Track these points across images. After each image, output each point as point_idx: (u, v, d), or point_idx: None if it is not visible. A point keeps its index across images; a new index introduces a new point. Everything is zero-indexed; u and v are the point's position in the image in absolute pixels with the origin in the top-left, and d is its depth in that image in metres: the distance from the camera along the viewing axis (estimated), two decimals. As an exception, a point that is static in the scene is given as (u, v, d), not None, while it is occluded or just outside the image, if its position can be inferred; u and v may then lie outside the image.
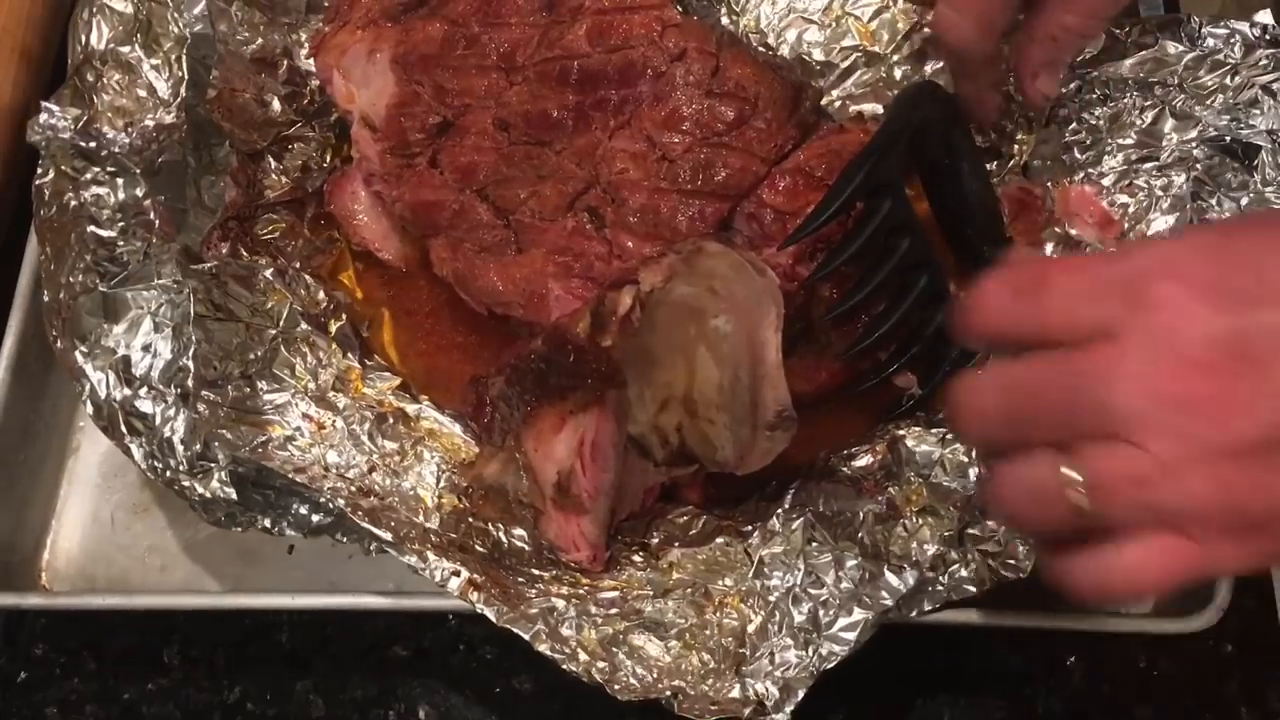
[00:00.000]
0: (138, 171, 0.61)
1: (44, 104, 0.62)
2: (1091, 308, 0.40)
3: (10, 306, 0.67)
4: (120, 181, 0.62)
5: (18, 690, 0.66)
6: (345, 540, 0.60)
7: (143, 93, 0.63)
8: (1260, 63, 0.61)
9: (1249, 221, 0.43)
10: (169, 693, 0.66)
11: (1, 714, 0.66)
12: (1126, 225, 0.61)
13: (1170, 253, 0.40)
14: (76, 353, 0.60)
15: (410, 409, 0.64)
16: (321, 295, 0.67)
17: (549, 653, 0.54)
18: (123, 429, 0.59)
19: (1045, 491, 0.41)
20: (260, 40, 0.68)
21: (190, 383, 0.59)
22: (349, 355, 0.65)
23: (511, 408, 0.56)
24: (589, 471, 0.56)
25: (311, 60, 0.69)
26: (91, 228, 0.61)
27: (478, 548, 0.59)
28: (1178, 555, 0.40)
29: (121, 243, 0.61)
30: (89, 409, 0.60)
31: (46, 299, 0.61)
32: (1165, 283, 0.39)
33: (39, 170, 0.63)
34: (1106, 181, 0.63)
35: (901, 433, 0.61)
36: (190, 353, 0.59)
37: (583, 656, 0.54)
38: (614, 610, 0.57)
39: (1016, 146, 0.67)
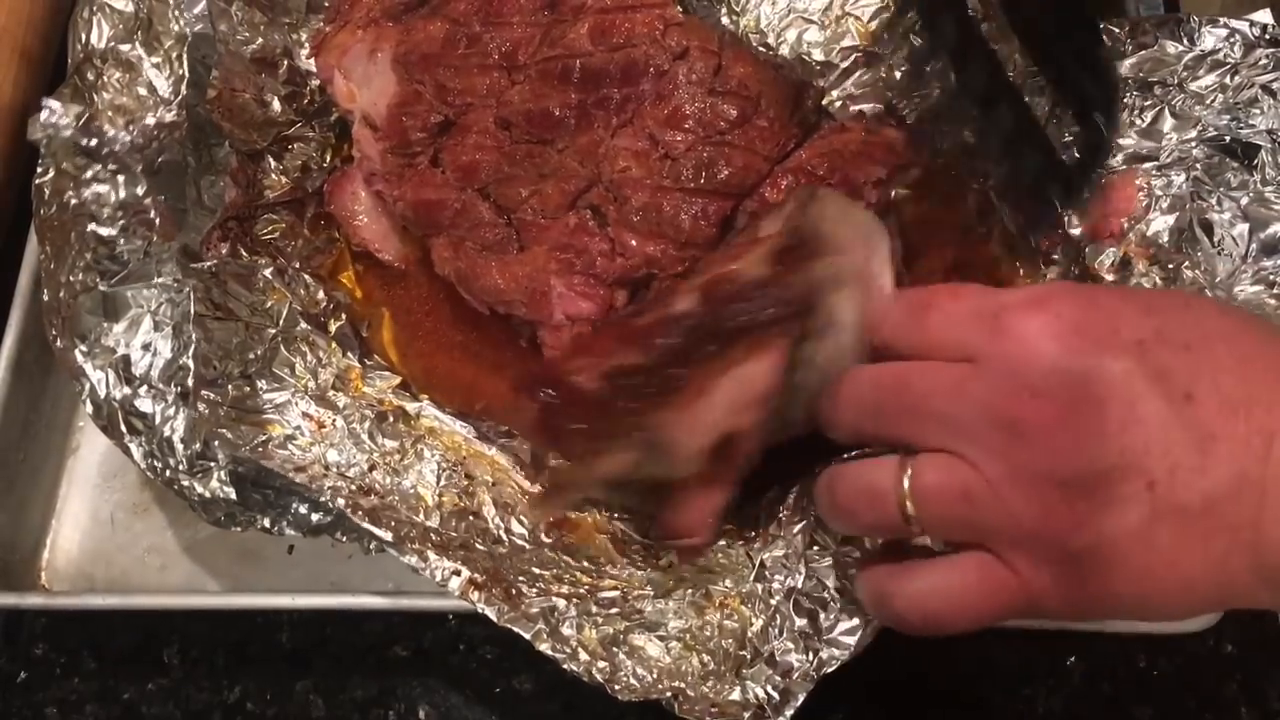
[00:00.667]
0: (139, 170, 0.61)
1: (45, 102, 0.62)
2: (963, 331, 0.43)
3: (10, 306, 0.67)
4: (121, 179, 0.62)
5: (18, 690, 0.66)
6: (345, 540, 0.60)
7: (143, 91, 0.63)
8: (1260, 62, 0.61)
9: (1121, 286, 0.48)
10: (169, 693, 0.66)
11: (1, 714, 0.66)
12: (1126, 225, 0.61)
13: (1042, 293, 0.43)
14: (76, 352, 0.60)
15: (410, 407, 0.64)
16: (321, 295, 0.66)
17: (550, 652, 0.54)
18: (122, 428, 0.59)
19: (880, 492, 0.44)
20: (260, 40, 0.68)
21: (190, 382, 0.59)
22: (349, 354, 0.65)
23: (633, 391, 0.52)
24: (752, 427, 0.52)
25: (312, 60, 0.69)
26: (92, 226, 0.61)
27: (478, 546, 0.59)
28: (993, 579, 0.42)
29: (122, 241, 0.61)
30: (88, 408, 0.60)
31: (46, 298, 0.61)
32: (1028, 317, 0.42)
33: (39, 169, 0.62)
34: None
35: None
36: (190, 352, 0.59)
37: (583, 656, 0.54)
38: (614, 610, 0.57)
39: (1017, 145, 0.66)
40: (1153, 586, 0.41)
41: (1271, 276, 0.58)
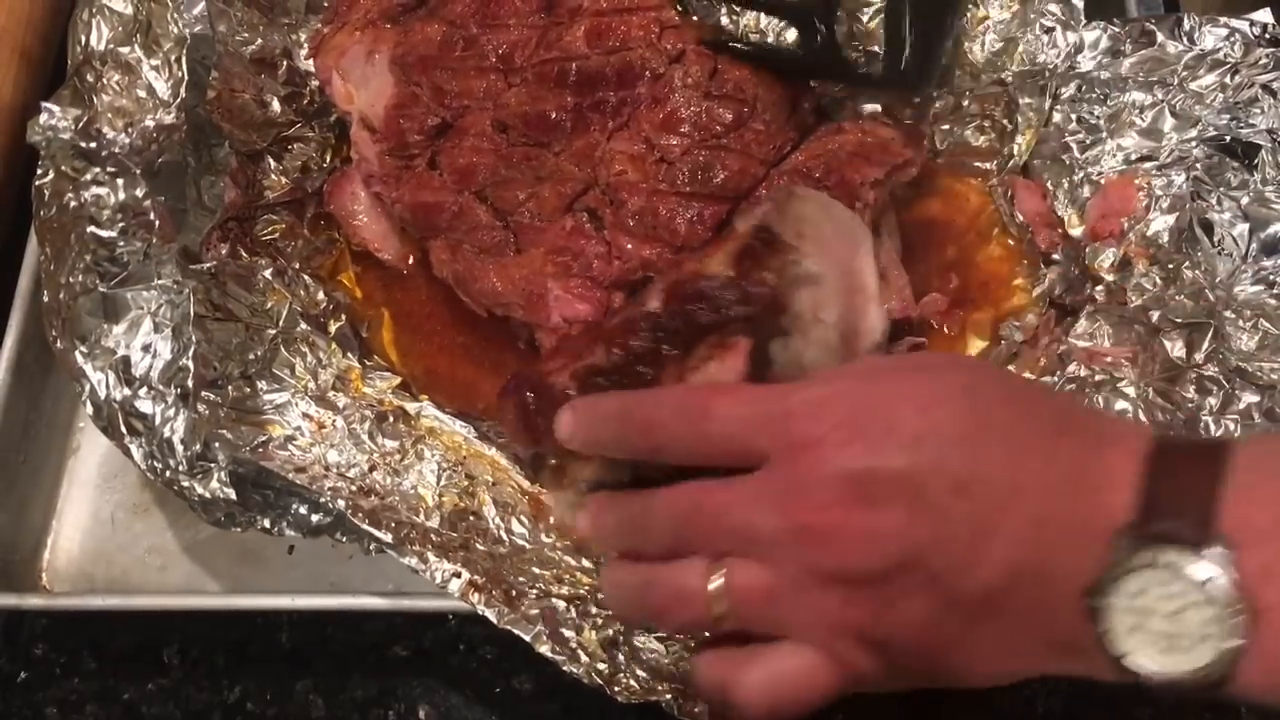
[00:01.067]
0: (138, 172, 0.61)
1: (44, 104, 0.62)
2: (746, 440, 0.45)
3: (10, 307, 0.67)
4: (120, 182, 0.61)
5: (18, 690, 0.66)
6: (345, 540, 0.60)
7: (142, 93, 0.63)
8: (1260, 61, 0.61)
9: (909, 368, 0.47)
10: (169, 693, 0.66)
11: (2, 714, 0.66)
12: (1126, 225, 0.61)
13: (819, 395, 0.44)
14: (76, 353, 0.60)
15: (410, 407, 0.64)
16: (321, 295, 0.67)
17: (550, 654, 0.54)
18: (122, 429, 0.59)
19: (690, 597, 0.46)
20: (260, 41, 0.68)
21: (190, 383, 0.59)
22: (349, 355, 0.65)
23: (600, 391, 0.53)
24: None
25: (311, 61, 0.69)
26: (91, 228, 0.61)
27: (479, 546, 0.59)
28: (816, 662, 0.44)
29: (122, 243, 0.61)
30: (89, 409, 0.60)
31: (46, 299, 0.61)
32: (808, 423, 0.44)
33: (39, 171, 0.63)
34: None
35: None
36: (190, 353, 0.59)
37: (583, 658, 0.54)
38: None
39: (1016, 146, 0.67)
40: (954, 667, 0.44)
41: (1272, 276, 0.58)
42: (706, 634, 0.48)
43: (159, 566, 0.67)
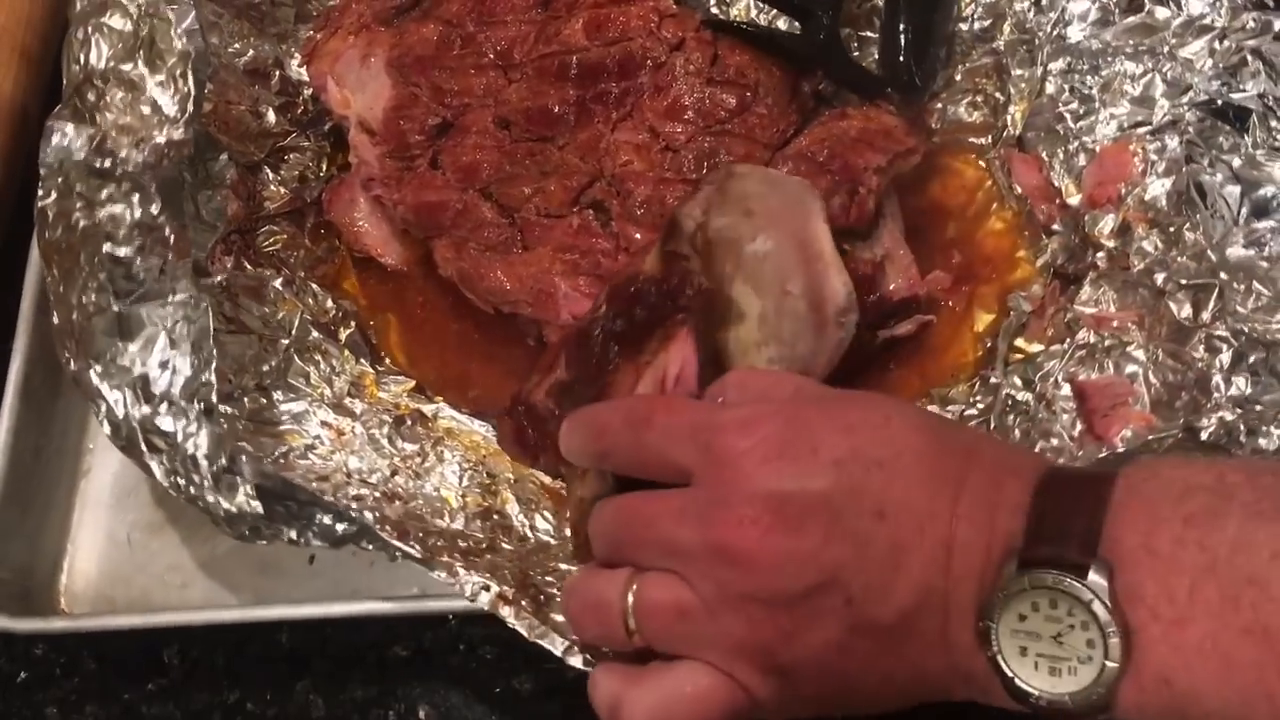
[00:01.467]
0: (152, 189, 0.61)
1: (55, 124, 0.61)
2: (677, 451, 0.46)
3: (14, 332, 0.67)
4: (135, 199, 0.61)
5: (18, 690, 0.66)
6: (372, 548, 0.60)
7: (147, 110, 0.63)
8: (1247, 26, 0.62)
9: (836, 398, 0.49)
10: (169, 693, 0.65)
11: (1, 714, 0.66)
12: (1124, 190, 0.62)
13: (748, 414, 0.46)
14: (91, 373, 0.59)
15: (427, 409, 0.64)
16: (330, 303, 0.66)
17: (584, 667, 0.54)
18: (142, 447, 0.59)
19: (606, 606, 0.46)
20: (252, 52, 0.68)
21: (214, 397, 0.59)
22: (361, 361, 0.65)
23: (573, 402, 0.54)
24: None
25: (303, 69, 0.68)
26: (107, 246, 0.61)
27: (504, 545, 0.59)
28: (718, 688, 0.45)
29: (138, 261, 0.61)
30: (106, 429, 0.60)
31: (57, 321, 0.61)
32: (734, 438, 0.44)
33: (40, 192, 0.62)
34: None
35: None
36: (212, 367, 0.59)
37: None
38: None
39: (1009, 118, 0.67)
40: (859, 691, 0.45)
41: (1263, 238, 0.59)
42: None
43: (179, 584, 0.67)
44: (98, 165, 0.61)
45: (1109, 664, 0.40)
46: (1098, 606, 0.40)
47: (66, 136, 0.61)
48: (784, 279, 0.54)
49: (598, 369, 0.53)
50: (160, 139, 0.62)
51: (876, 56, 0.68)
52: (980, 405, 0.62)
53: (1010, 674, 0.42)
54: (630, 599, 0.46)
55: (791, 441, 0.44)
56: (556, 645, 0.54)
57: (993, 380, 0.62)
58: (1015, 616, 0.42)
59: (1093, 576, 0.41)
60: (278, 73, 0.69)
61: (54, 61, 0.70)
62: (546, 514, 0.61)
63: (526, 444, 0.56)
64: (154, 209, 0.61)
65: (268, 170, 0.68)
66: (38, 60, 0.74)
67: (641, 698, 0.46)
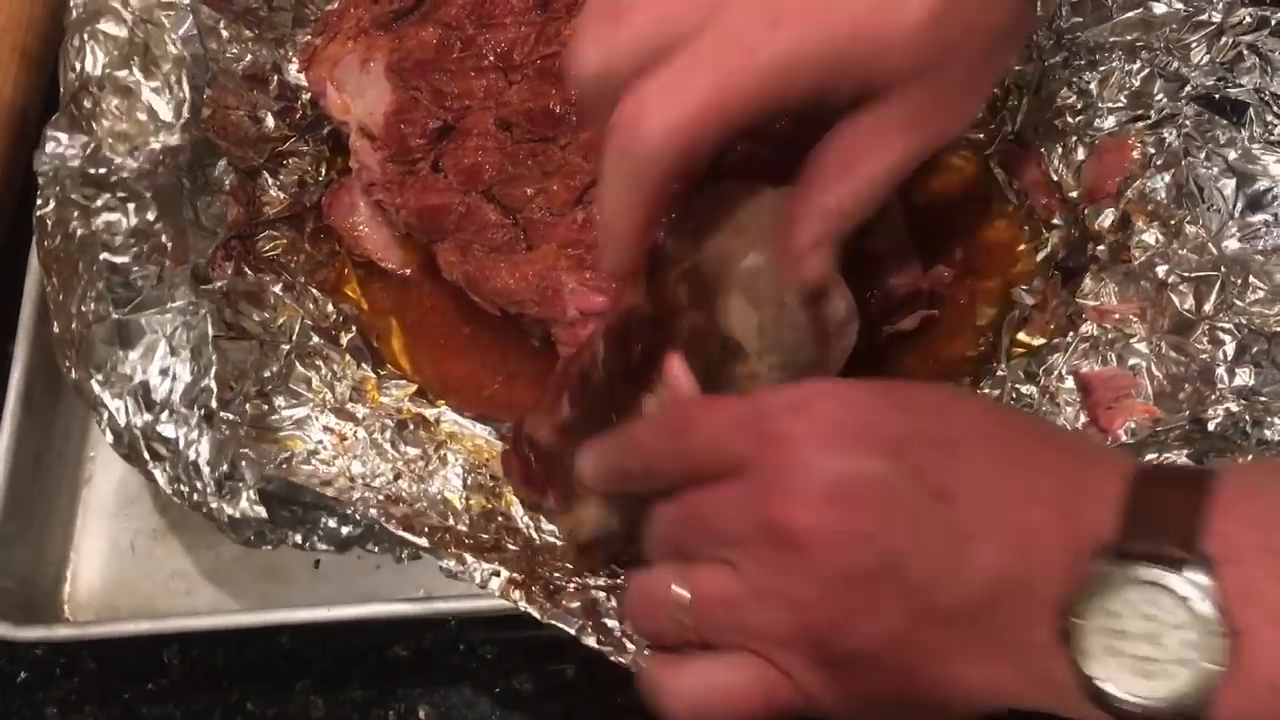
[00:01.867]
0: (149, 195, 0.61)
1: (49, 133, 0.61)
2: (727, 444, 0.43)
3: (13, 340, 0.66)
4: (132, 207, 0.61)
5: (18, 690, 0.66)
6: (377, 550, 0.60)
7: (143, 116, 0.62)
8: (1244, 21, 0.62)
9: (881, 383, 0.45)
10: (169, 693, 0.65)
11: (2, 714, 0.65)
12: (1123, 183, 0.62)
13: (799, 395, 0.43)
14: (93, 382, 0.59)
15: (429, 413, 0.64)
16: (330, 308, 0.66)
17: (596, 646, 0.54)
18: (145, 455, 0.59)
19: (656, 602, 0.45)
20: (250, 57, 0.68)
21: (214, 404, 0.58)
22: (363, 366, 0.65)
23: (582, 439, 0.53)
24: None
25: (301, 74, 0.68)
26: (105, 255, 0.60)
27: (510, 546, 0.59)
28: (766, 680, 0.43)
29: (135, 268, 0.60)
30: (108, 437, 0.59)
31: (57, 330, 0.61)
32: (788, 421, 0.42)
33: (39, 201, 0.62)
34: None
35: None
36: (212, 373, 0.59)
37: (629, 645, 0.54)
38: None
39: (1008, 113, 0.67)
40: (920, 693, 0.42)
41: (1257, 232, 0.59)
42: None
43: (184, 591, 0.67)
44: (93, 173, 0.61)
45: (1211, 666, 0.37)
46: (1202, 605, 0.37)
47: (61, 144, 0.61)
48: (781, 292, 0.53)
49: (603, 406, 0.53)
50: (156, 145, 0.62)
51: None
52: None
53: (1094, 675, 0.38)
54: (677, 593, 0.44)
55: (847, 421, 0.42)
56: (570, 626, 0.54)
57: (999, 373, 0.62)
58: (1104, 614, 0.38)
59: (1195, 572, 0.38)
60: (276, 78, 0.69)
61: (54, 62, 0.70)
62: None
63: (534, 481, 0.56)
64: (150, 216, 0.61)
65: (267, 175, 0.68)
66: (38, 61, 0.74)
67: (683, 687, 0.44)
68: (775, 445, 0.42)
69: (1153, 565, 0.38)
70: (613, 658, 0.54)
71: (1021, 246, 0.66)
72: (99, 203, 0.61)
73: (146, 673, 0.66)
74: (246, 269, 0.65)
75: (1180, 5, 0.64)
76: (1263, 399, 0.56)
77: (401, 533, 0.56)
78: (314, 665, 0.65)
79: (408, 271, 0.69)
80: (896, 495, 0.40)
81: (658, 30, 0.44)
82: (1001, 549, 0.40)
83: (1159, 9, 0.64)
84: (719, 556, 0.43)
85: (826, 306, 0.55)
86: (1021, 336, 0.63)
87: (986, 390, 0.62)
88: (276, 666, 0.65)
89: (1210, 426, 0.56)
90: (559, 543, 0.60)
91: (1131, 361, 0.59)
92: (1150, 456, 0.58)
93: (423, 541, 0.56)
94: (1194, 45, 0.63)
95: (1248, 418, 0.56)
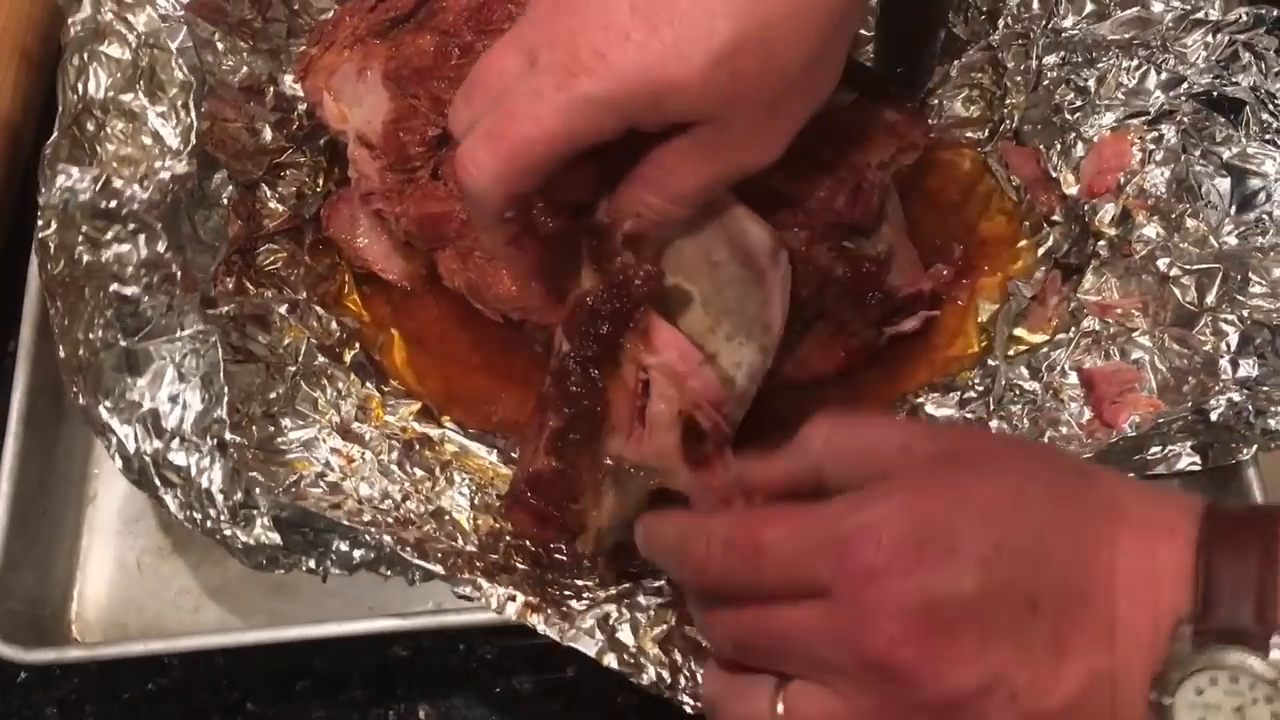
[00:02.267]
0: (158, 227, 0.61)
1: (60, 166, 0.61)
2: (803, 568, 0.43)
3: (13, 340, 0.66)
4: (142, 238, 0.61)
5: (18, 690, 0.66)
6: (388, 574, 0.60)
7: (148, 140, 0.62)
8: (1240, 19, 0.63)
9: (954, 464, 0.45)
10: (169, 693, 0.65)
11: (1, 714, 0.65)
12: (1122, 179, 0.63)
13: (873, 517, 0.43)
14: (101, 408, 0.59)
15: (434, 434, 0.64)
16: (334, 325, 0.66)
17: (616, 667, 0.54)
18: (155, 481, 0.59)
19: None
20: (246, 68, 0.67)
21: (228, 433, 0.58)
22: (367, 384, 0.65)
23: (575, 448, 0.54)
24: (699, 382, 0.53)
25: (298, 85, 0.68)
26: (115, 286, 0.60)
27: (519, 565, 0.59)
28: None
29: (145, 299, 0.60)
30: (118, 463, 0.59)
31: (63, 355, 0.60)
32: (868, 550, 0.42)
33: (40, 223, 0.61)
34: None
35: (920, 400, 0.63)
36: (224, 402, 0.59)
37: (649, 667, 0.54)
38: (661, 600, 0.57)
39: (1006, 112, 0.68)
40: None
41: (1252, 229, 0.60)
42: None
43: (192, 608, 0.67)
44: (103, 206, 0.61)
45: None
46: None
47: (71, 178, 0.61)
48: (706, 253, 0.55)
49: (588, 398, 0.53)
50: (164, 174, 0.62)
51: (873, 53, 0.69)
52: (979, 388, 0.63)
53: None
54: (781, 710, 0.44)
55: (928, 543, 0.42)
56: (590, 648, 0.54)
57: (990, 363, 0.63)
58: (1192, 691, 0.39)
59: (1276, 644, 0.38)
60: (272, 89, 0.68)
61: (53, 64, 0.69)
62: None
63: (548, 520, 0.55)
64: (160, 246, 0.61)
65: (265, 188, 0.68)
66: (38, 60, 0.73)
67: None
68: (860, 580, 0.42)
69: (1230, 646, 0.39)
70: (633, 679, 0.54)
71: (1022, 243, 0.66)
72: (109, 235, 0.61)
73: (146, 673, 0.66)
74: (248, 284, 0.65)
75: (1177, 3, 0.64)
76: (1265, 389, 0.57)
77: (417, 560, 0.56)
78: (314, 666, 0.65)
79: (408, 282, 0.69)
80: (991, 612, 0.41)
81: (491, 95, 0.51)
82: (1091, 646, 0.41)
83: (1156, 7, 0.64)
84: (812, 677, 0.44)
85: (748, 240, 0.55)
86: (1024, 333, 0.64)
87: (979, 380, 0.63)
88: (276, 667, 0.65)
89: (1213, 417, 0.57)
90: (565, 559, 0.60)
91: (1134, 355, 0.60)
92: (1154, 449, 0.59)
93: (438, 569, 0.56)
94: (1191, 43, 0.64)
95: (1250, 407, 0.57)
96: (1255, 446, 0.57)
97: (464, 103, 0.53)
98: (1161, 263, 0.60)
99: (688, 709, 0.54)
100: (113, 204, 0.61)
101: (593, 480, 0.53)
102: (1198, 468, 0.58)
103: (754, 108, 0.50)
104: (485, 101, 0.51)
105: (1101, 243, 0.63)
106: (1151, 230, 0.61)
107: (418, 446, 0.63)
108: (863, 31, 0.70)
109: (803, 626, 0.43)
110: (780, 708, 0.44)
